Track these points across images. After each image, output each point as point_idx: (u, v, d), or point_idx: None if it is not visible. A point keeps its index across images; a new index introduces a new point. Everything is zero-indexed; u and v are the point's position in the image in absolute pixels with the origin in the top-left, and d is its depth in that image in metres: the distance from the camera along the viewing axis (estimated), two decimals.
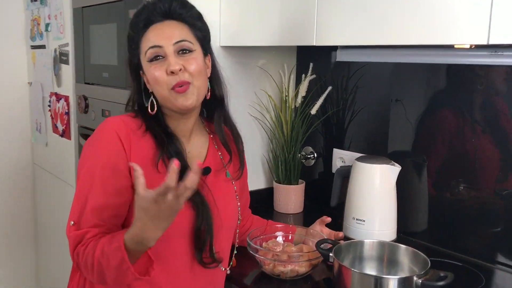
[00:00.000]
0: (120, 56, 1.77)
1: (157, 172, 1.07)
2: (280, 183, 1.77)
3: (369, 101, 1.68)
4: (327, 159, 1.81)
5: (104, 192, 1.05)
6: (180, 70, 1.07)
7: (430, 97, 1.54)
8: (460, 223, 1.47)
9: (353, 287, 1.09)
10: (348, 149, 1.75)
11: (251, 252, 1.26)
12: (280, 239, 1.37)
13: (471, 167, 1.44)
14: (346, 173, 1.59)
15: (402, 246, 1.18)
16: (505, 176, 1.38)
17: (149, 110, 1.13)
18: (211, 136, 1.25)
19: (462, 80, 1.44)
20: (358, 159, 1.54)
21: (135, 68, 1.15)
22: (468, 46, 1.28)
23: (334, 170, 1.77)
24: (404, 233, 1.56)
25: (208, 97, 1.17)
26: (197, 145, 1.21)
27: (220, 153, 1.24)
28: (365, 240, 1.23)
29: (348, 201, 1.55)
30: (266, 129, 1.82)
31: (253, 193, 1.39)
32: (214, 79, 1.19)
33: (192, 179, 0.87)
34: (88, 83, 2.04)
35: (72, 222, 1.05)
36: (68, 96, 2.21)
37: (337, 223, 1.61)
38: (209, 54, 1.18)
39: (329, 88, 1.71)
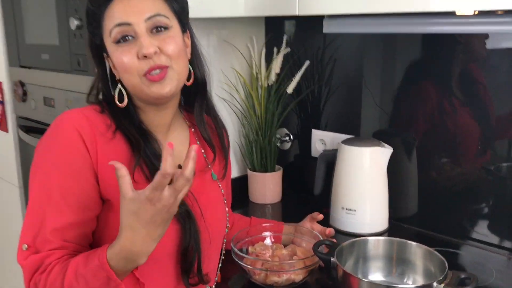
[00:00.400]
0: (62, 34, 1.51)
1: (133, 182, 0.87)
2: (255, 171, 1.59)
3: (349, 76, 1.52)
4: (305, 141, 1.64)
5: (66, 208, 0.84)
6: (155, 53, 0.86)
7: (410, 69, 1.39)
8: (451, 205, 1.36)
9: None
10: (327, 130, 1.59)
11: (237, 260, 1.08)
12: (268, 240, 1.20)
13: (458, 144, 1.32)
14: (330, 157, 1.43)
15: (413, 243, 1.03)
16: (493, 150, 1.28)
17: (117, 102, 0.92)
18: (192, 130, 1.05)
19: (443, 50, 1.31)
20: (345, 142, 1.39)
21: (98, 50, 0.93)
22: (472, 13, 1.12)
23: (313, 153, 1.61)
24: (395, 220, 1.43)
25: (189, 83, 0.96)
26: (176, 142, 1.01)
27: (203, 150, 1.04)
28: (369, 238, 1.08)
29: (335, 190, 1.40)
30: (236, 112, 1.62)
31: None
32: (195, 60, 0.99)
33: (190, 167, 0.71)
34: (25, 67, 1.76)
35: (26, 246, 0.84)
36: (1, 82, 1.92)
37: (322, 213, 1.46)
38: (188, 30, 0.97)
39: (307, 62, 1.53)
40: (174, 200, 0.73)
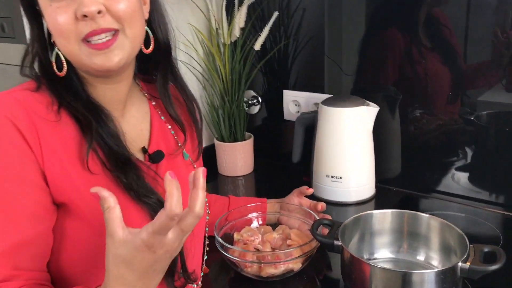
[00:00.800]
0: None
1: (89, 173, 0.68)
2: (223, 141, 1.42)
3: (319, 27, 1.35)
4: (275, 103, 1.48)
5: (11, 224, 0.64)
6: (100, 12, 0.65)
7: (377, 16, 1.26)
8: (435, 162, 1.27)
9: (373, 283, 0.82)
10: (299, 89, 1.43)
11: (224, 253, 0.93)
12: (255, 223, 1.05)
13: (432, 94, 1.23)
14: (309, 121, 1.29)
15: (425, 215, 0.91)
16: (465, 96, 1.19)
17: (55, 70, 0.71)
18: (153, 103, 0.85)
19: None
20: (325, 102, 1.24)
21: (30, 3, 0.70)
22: None
23: (286, 116, 1.46)
24: (380, 182, 1.32)
25: (149, 51, 0.76)
26: (135, 120, 0.81)
27: (170, 126, 0.85)
28: (373, 212, 0.95)
29: (318, 157, 1.26)
30: (196, 75, 1.43)
31: None
32: (157, 19, 0.78)
33: (201, 200, 0.54)
34: None
35: None
36: None
37: (302, 182, 1.33)
38: None
39: (275, 14, 1.34)
40: (179, 243, 0.57)
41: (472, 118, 1.22)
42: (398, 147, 1.32)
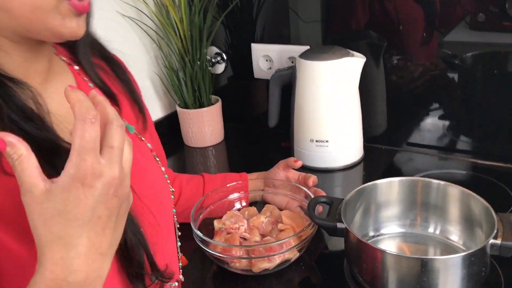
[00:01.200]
0: None
1: (5, 175, 0.48)
2: (187, 107, 1.23)
3: None
4: (243, 60, 1.29)
5: None
6: None
7: None
8: (423, 113, 1.15)
9: (385, 271, 0.69)
10: (269, 42, 1.25)
11: (204, 249, 0.77)
12: (237, 205, 0.89)
13: (407, 37, 1.10)
14: (286, 78, 1.12)
15: (441, 182, 0.78)
16: (440, 33, 1.07)
17: None
18: (76, 67, 0.66)
19: None
20: (303, 55, 1.07)
21: None
22: None
23: (257, 74, 1.28)
24: (367, 141, 1.18)
25: None
26: (61, 96, 0.61)
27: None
28: (378, 182, 0.81)
29: (299, 119, 1.10)
30: (149, 32, 1.21)
31: None
32: None
33: (110, 108, 0.45)
34: None
35: None
36: None
37: (281, 149, 1.19)
38: None
39: None
40: (120, 170, 0.43)
41: (456, 62, 1.09)
42: (383, 101, 1.19)
